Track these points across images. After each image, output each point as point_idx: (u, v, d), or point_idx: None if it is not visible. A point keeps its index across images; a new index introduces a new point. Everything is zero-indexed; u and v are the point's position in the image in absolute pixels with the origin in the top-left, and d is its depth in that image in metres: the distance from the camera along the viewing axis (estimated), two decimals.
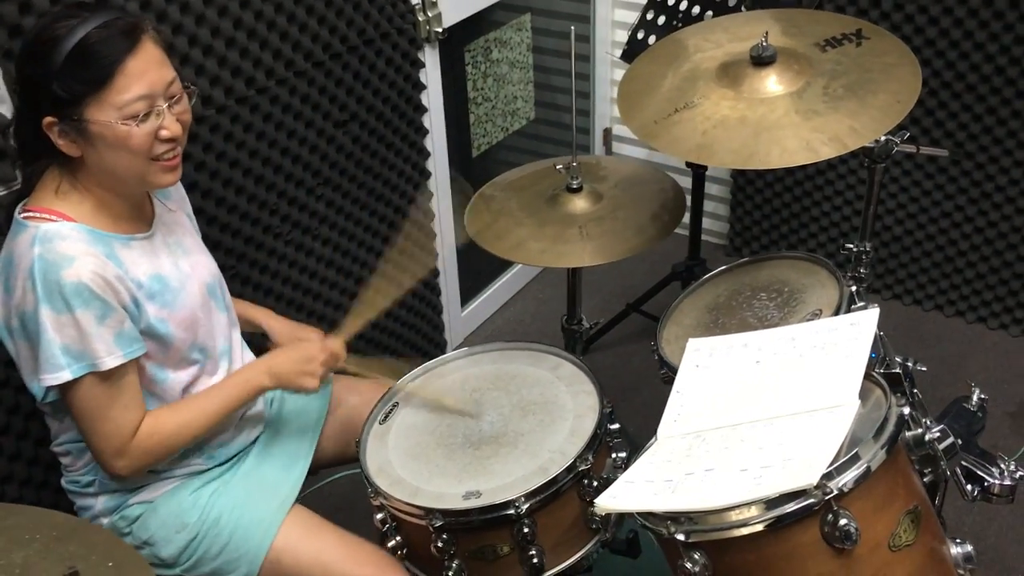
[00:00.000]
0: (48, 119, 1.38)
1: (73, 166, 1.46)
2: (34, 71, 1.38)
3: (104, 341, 1.42)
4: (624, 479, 1.41)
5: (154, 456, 1.54)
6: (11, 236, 1.45)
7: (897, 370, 1.48)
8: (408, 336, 2.81)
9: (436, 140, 2.69)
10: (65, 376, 1.41)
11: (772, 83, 1.71)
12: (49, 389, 1.46)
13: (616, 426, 1.69)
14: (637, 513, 1.34)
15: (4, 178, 1.67)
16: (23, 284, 1.39)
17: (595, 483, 1.58)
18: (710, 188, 3.32)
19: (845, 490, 1.20)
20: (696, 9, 2.59)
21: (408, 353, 2.84)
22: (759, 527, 1.21)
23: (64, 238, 1.41)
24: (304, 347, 1.66)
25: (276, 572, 1.63)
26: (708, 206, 3.33)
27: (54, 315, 1.39)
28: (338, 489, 2.40)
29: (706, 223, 3.36)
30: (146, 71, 1.39)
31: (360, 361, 1.82)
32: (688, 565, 1.26)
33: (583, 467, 1.56)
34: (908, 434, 1.34)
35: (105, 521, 1.63)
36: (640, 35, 2.64)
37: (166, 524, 1.62)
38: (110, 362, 1.43)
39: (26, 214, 1.44)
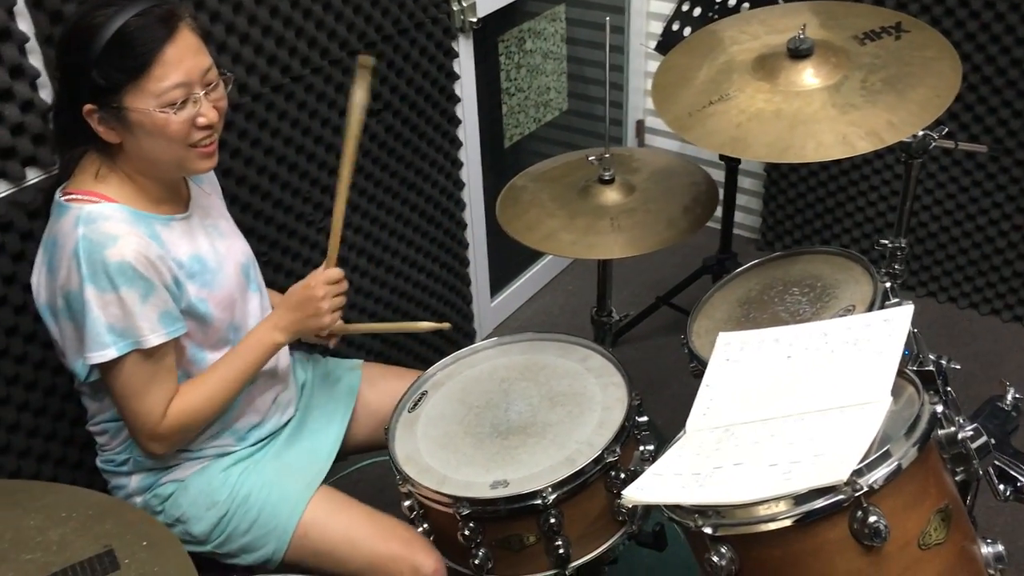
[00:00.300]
0: (88, 106, 1.41)
1: (111, 151, 1.48)
2: (74, 59, 1.40)
3: (148, 319, 1.45)
4: (652, 471, 1.40)
5: (186, 430, 1.57)
6: (54, 218, 1.47)
7: (930, 368, 1.47)
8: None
9: (468, 130, 2.69)
10: (111, 353, 1.43)
11: (809, 76, 1.69)
12: (92, 368, 1.48)
13: (644, 419, 1.69)
14: (664, 506, 1.34)
15: (44, 163, 1.70)
16: (68, 264, 1.42)
17: (622, 475, 1.58)
18: (743, 181, 3.30)
19: (875, 487, 1.19)
20: (732, 1, 2.57)
21: (437, 342, 2.85)
22: (787, 522, 1.21)
23: (107, 218, 1.43)
24: (296, 291, 1.64)
25: (305, 548, 1.65)
26: (741, 199, 3.31)
27: (99, 293, 1.41)
28: (367, 475, 2.41)
29: (738, 217, 3.34)
30: (183, 59, 1.41)
31: (373, 326, 1.80)
32: (715, 559, 1.26)
33: (611, 459, 1.56)
34: (940, 432, 1.32)
35: (138, 500, 1.66)
36: (675, 26, 2.63)
37: (197, 502, 1.64)
38: (154, 340, 1.46)
39: (68, 196, 1.46)
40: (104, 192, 1.47)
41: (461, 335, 2.96)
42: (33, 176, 1.70)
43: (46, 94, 1.68)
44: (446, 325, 1.76)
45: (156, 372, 1.49)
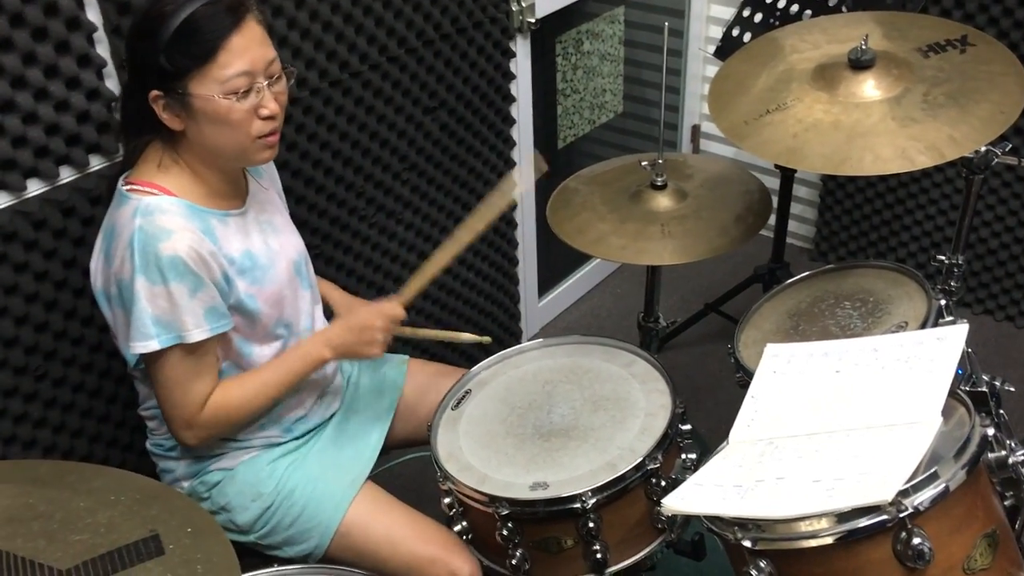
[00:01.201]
0: (154, 92, 1.44)
1: (175, 141, 1.51)
2: (143, 45, 1.43)
3: (194, 314, 1.47)
4: (693, 481, 1.40)
5: (221, 426, 1.59)
6: (114, 206, 1.51)
7: (983, 389, 1.44)
8: (484, 323, 2.84)
9: (523, 130, 2.70)
10: (154, 345, 1.46)
11: (869, 88, 1.67)
12: (139, 356, 1.52)
13: (688, 427, 1.68)
14: (704, 516, 1.33)
15: (108, 150, 1.74)
16: (123, 253, 1.45)
17: (663, 483, 1.57)
18: (798, 190, 3.26)
19: (921, 509, 1.17)
20: (795, 7, 2.54)
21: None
22: (829, 540, 1.19)
23: (164, 212, 1.46)
24: (360, 315, 1.66)
25: (346, 545, 1.67)
26: (795, 208, 3.27)
27: (149, 285, 1.44)
28: (408, 470, 2.43)
29: (792, 226, 3.30)
30: (248, 48, 1.43)
31: (417, 331, 1.82)
32: (753, 572, 1.25)
33: (652, 466, 1.55)
34: (991, 455, 1.29)
35: (185, 485, 1.69)
36: (735, 32, 2.60)
37: (243, 492, 1.67)
38: (197, 335, 1.48)
39: (129, 186, 1.49)
40: (164, 184, 1.50)
41: (507, 335, 2.96)
42: (96, 163, 1.74)
43: (112, 83, 1.71)
44: (487, 339, 1.77)
45: (197, 366, 1.52)
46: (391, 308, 1.66)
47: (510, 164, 2.70)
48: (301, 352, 1.64)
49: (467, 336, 1.78)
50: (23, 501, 1.03)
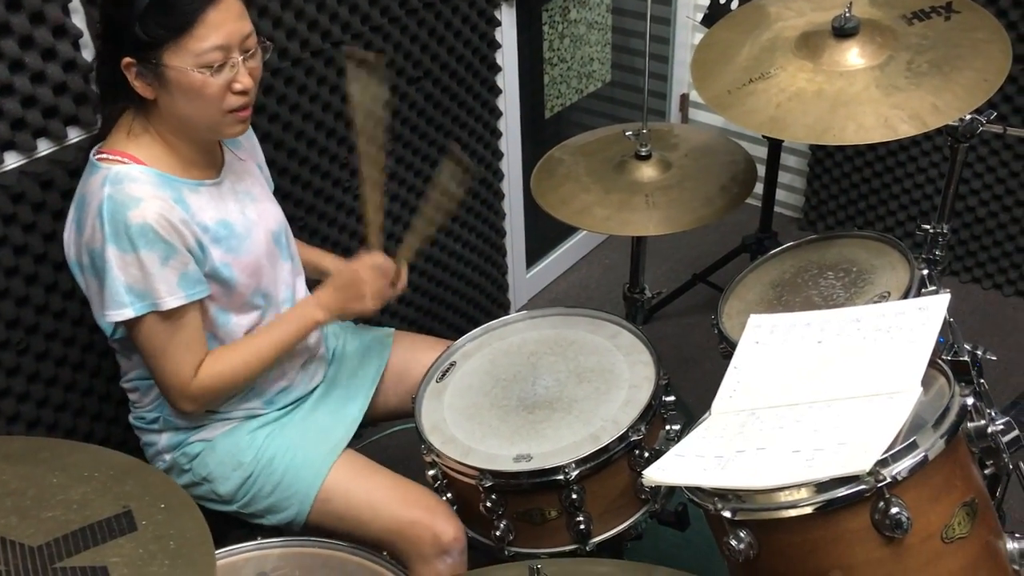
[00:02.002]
0: (127, 60, 1.42)
1: (147, 109, 1.49)
2: (118, 13, 1.42)
3: (166, 282, 1.47)
4: (674, 452, 1.40)
5: (215, 393, 1.59)
6: (85, 176, 1.50)
7: (965, 358, 1.44)
8: (472, 295, 2.83)
9: (509, 100, 2.68)
10: (128, 313, 1.46)
11: (853, 56, 1.66)
12: (117, 326, 1.51)
13: (672, 398, 1.68)
14: (685, 487, 1.33)
15: (86, 122, 1.72)
16: (93, 222, 1.44)
17: (647, 454, 1.58)
18: (787, 159, 3.25)
19: (899, 478, 1.17)
20: None
21: (471, 312, 2.86)
22: (808, 509, 1.19)
23: (133, 180, 1.45)
24: (347, 273, 1.66)
25: (327, 512, 1.67)
26: (784, 178, 3.26)
27: (119, 254, 1.43)
28: (395, 441, 2.43)
29: (780, 195, 3.29)
30: (225, 22, 1.41)
31: (405, 244, 1.77)
32: (733, 543, 1.25)
33: (635, 437, 1.56)
34: (970, 425, 1.30)
35: (167, 457, 1.69)
36: None
37: (223, 462, 1.67)
38: (171, 302, 1.48)
39: (100, 155, 1.48)
40: (134, 153, 1.48)
41: (495, 306, 2.96)
42: (74, 135, 1.73)
43: (88, 54, 1.69)
44: (471, 167, 1.72)
45: (178, 333, 1.52)
46: (376, 258, 1.66)
47: (496, 135, 2.68)
48: (294, 315, 1.65)
49: (446, 174, 1.74)
50: None
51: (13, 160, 1.65)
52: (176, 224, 1.47)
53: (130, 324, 1.49)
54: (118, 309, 1.46)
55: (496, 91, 2.61)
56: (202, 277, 1.53)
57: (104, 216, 1.42)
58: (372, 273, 1.64)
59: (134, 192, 1.44)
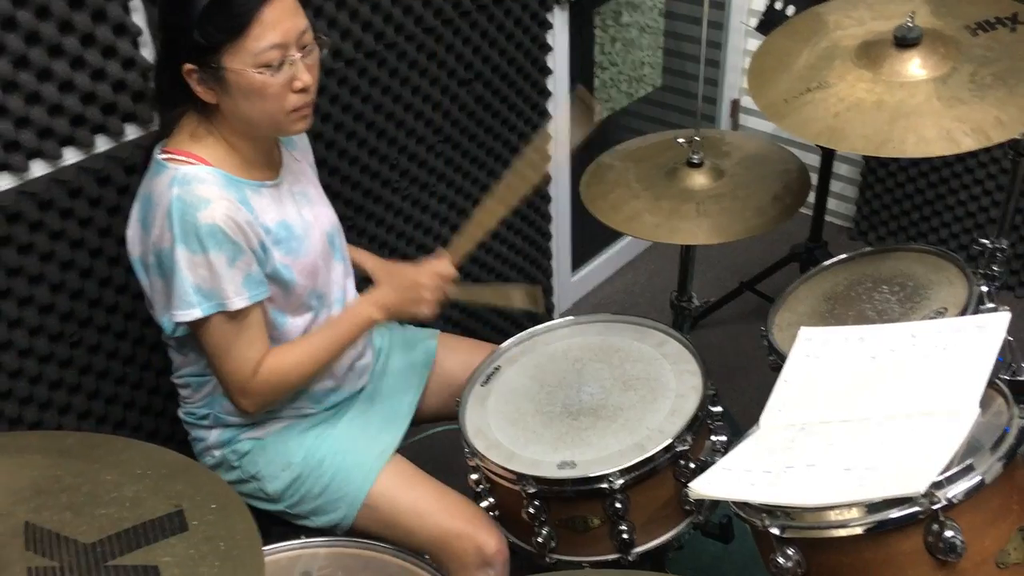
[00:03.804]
0: (188, 66, 1.43)
1: (209, 112, 1.51)
2: (176, 19, 1.43)
3: (233, 282, 1.48)
4: (721, 465, 1.38)
5: (276, 391, 1.60)
6: (150, 175, 1.51)
7: None
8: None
9: (559, 103, 2.67)
10: (196, 313, 1.47)
11: (915, 67, 1.62)
12: (179, 324, 1.53)
13: (718, 409, 1.66)
14: (732, 502, 1.32)
15: (142, 120, 1.75)
16: (161, 223, 1.46)
17: (692, 465, 1.56)
18: (839, 168, 3.20)
19: (954, 501, 1.15)
20: None
21: (516, 315, 2.85)
22: (859, 530, 1.18)
23: (202, 181, 1.46)
24: (407, 274, 1.66)
25: (373, 516, 1.68)
26: (835, 186, 3.21)
27: (189, 255, 1.45)
28: (438, 442, 2.44)
29: (832, 204, 3.24)
30: (280, 20, 1.42)
31: (468, 290, 1.80)
32: (780, 560, 1.24)
33: (681, 448, 1.54)
34: None
35: (216, 453, 1.71)
36: (778, 5, 2.55)
37: (273, 461, 1.68)
38: (238, 303, 1.49)
39: (166, 155, 1.50)
40: (199, 154, 1.50)
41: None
42: (132, 133, 1.75)
43: (148, 52, 1.71)
44: (540, 310, 1.73)
45: (243, 331, 1.53)
46: (440, 265, 1.66)
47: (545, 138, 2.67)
48: (351, 314, 1.65)
49: (518, 299, 1.73)
50: (51, 473, 1.05)
51: (72, 156, 1.68)
52: (242, 225, 1.48)
53: (196, 324, 1.50)
54: (187, 309, 1.47)
55: (546, 94, 2.61)
56: (264, 278, 1.54)
57: (173, 217, 1.44)
58: (434, 280, 1.64)
59: (203, 193, 1.45)
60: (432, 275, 1.65)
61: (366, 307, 1.66)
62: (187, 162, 1.48)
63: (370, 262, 1.88)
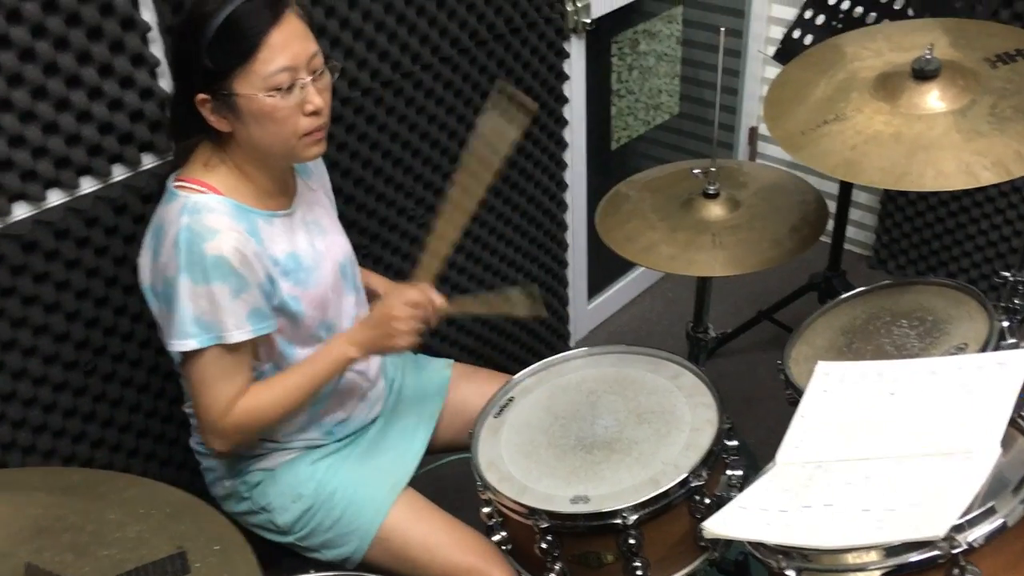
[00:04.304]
0: (201, 96, 1.44)
1: (223, 141, 1.51)
2: (186, 47, 1.44)
3: (235, 315, 1.47)
4: (737, 503, 1.36)
5: (248, 430, 1.57)
6: (163, 203, 1.52)
7: None
8: (532, 326, 2.81)
9: (575, 131, 2.67)
10: (192, 344, 1.47)
11: (933, 99, 1.61)
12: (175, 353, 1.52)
13: (735, 443, 1.64)
14: (747, 542, 1.30)
15: (160, 149, 1.75)
16: (169, 250, 1.46)
17: (707, 500, 1.54)
18: (858, 195, 3.17)
19: (976, 545, 1.12)
20: (859, 10, 2.48)
21: (531, 343, 2.84)
22: (877, 574, 1.16)
23: (211, 211, 1.46)
24: (381, 307, 1.60)
25: (384, 550, 1.66)
26: (854, 214, 3.19)
27: (191, 285, 1.44)
28: (452, 470, 2.42)
29: (851, 232, 3.22)
30: (288, 43, 1.42)
31: (462, 303, 1.75)
32: None
33: (696, 483, 1.52)
34: None
35: (227, 484, 1.70)
36: (796, 34, 2.55)
37: (283, 493, 1.67)
38: (238, 336, 1.48)
39: (178, 183, 1.50)
40: (211, 183, 1.50)
41: (556, 337, 2.94)
42: (149, 162, 1.76)
43: (165, 83, 1.72)
44: (543, 314, 1.70)
45: (232, 367, 1.52)
46: (416, 294, 1.59)
47: (561, 166, 2.67)
48: (325, 352, 1.60)
49: (517, 304, 1.66)
50: (54, 512, 1.04)
51: (89, 185, 1.69)
52: (250, 258, 1.47)
53: (188, 354, 1.50)
54: (183, 339, 1.47)
55: (563, 122, 2.60)
56: (271, 313, 1.53)
57: (181, 245, 1.44)
58: (405, 310, 1.57)
59: (211, 223, 1.45)
60: (399, 304, 1.58)
61: (341, 345, 1.60)
62: (198, 191, 1.48)
63: (378, 283, 1.87)
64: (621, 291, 3.18)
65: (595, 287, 3.08)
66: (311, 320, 1.60)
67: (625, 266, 3.18)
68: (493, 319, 2.61)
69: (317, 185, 1.73)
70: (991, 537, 1.13)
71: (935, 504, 1.17)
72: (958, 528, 1.13)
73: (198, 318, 1.46)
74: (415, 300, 1.58)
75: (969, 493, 1.16)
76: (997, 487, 1.20)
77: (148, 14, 1.67)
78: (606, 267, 3.08)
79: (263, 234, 1.52)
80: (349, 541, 1.66)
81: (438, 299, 1.61)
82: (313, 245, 1.62)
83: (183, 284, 1.44)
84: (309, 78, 1.45)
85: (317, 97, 1.46)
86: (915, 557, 1.13)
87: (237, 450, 1.63)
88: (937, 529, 1.12)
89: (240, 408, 1.54)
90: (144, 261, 1.55)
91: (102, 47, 1.61)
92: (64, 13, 1.55)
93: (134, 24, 1.64)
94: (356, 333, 1.61)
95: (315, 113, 1.47)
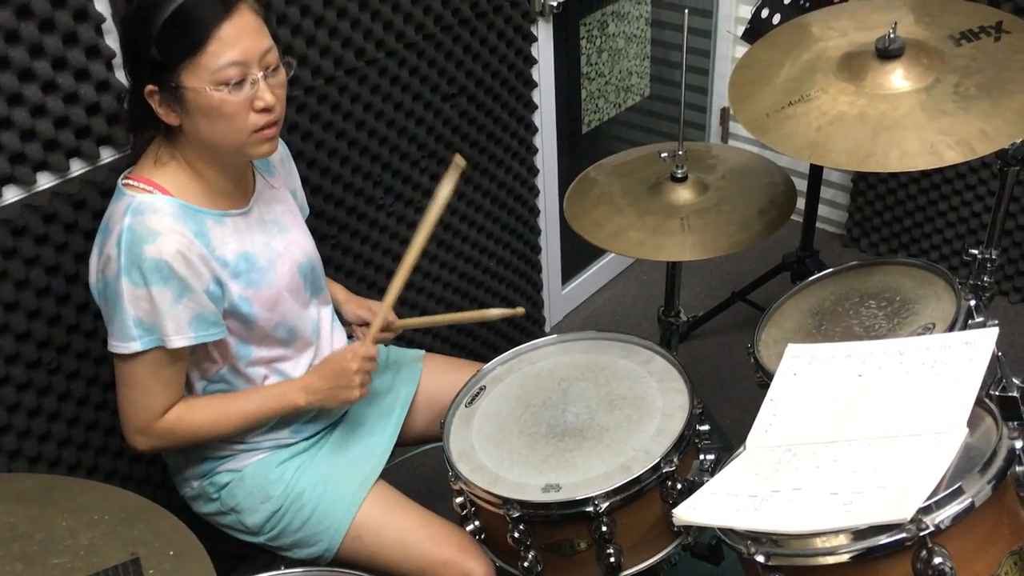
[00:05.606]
0: (149, 87, 1.41)
1: (173, 136, 1.48)
2: (136, 37, 1.40)
3: (176, 320, 1.44)
4: (707, 490, 1.35)
5: (175, 441, 1.56)
6: (112, 201, 1.48)
7: (1013, 394, 1.38)
8: None
9: (545, 116, 2.65)
10: (134, 347, 1.44)
11: (897, 78, 1.60)
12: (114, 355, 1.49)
13: (706, 427, 1.63)
14: (717, 528, 1.29)
15: (117, 143, 1.72)
16: (110, 251, 1.43)
17: (679, 485, 1.53)
18: (830, 175, 3.18)
19: (943, 527, 1.12)
20: None
21: (505, 329, 2.83)
22: (845, 557, 1.15)
23: (155, 211, 1.43)
24: (334, 362, 1.62)
25: (357, 548, 1.65)
26: (827, 193, 3.19)
27: (132, 287, 1.41)
28: (426, 460, 2.41)
29: (824, 211, 3.23)
30: (240, 37, 1.38)
31: (436, 319, 1.87)
32: None
33: (668, 468, 1.52)
34: (1019, 469, 1.24)
35: (195, 484, 1.68)
36: (764, 13, 2.53)
37: (252, 494, 1.65)
38: (178, 341, 1.45)
39: (126, 182, 1.47)
40: (161, 182, 1.47)
41: (530, 323, 2.93)
42: (107, 156, 1.73)
43: (121, 75, 1.69)
44: (519, 311, 1.71)
45: (167, 373, 1.49)
46: (363, 349, 1.63)
47: (532, 151, 2.66)
48: (277, 392, 1.61)
49: (495, 312, 1.73)
50: (4, 520, 1.01)
51: (46, 181, 1.66)
52: (194, 261, 1.44)
53: (127, 354, 1.47)
54: (126, 342, 1.44)
55: (532, 107, 2.59)
56: (219, 319, 1.51)
57: (122, 246, 1.41)
58: (361, 363, 1.61)
59: (154, 225, 1.42)
60: (357, 359, 1.61)
61: (293, 391, 1.61)
62: (145, 190, 1.45)
63: (339, 295, 1.86)
64: (595, 275, 3.17)
65: (569, 272, 3.07)
66: (265, 321, 1.58)
67: (599, 250, 3.15)
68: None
69: (280, 183, 1.69)
70: (958, 518, 1.13)
71: (902, 486, 1.17)
72: (925, 510, 1.12)
73: (140, 320, 1.43)
74: (371, 354, 1.63)
75: (935, 475, 1.16)
76: (964, 467, 1.19)
77: (102, 5, 1.64)
78: (580, 251, 3.07)
79: (211, 235, 1.49)
80: (320, 540, 1.65)
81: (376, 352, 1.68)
82: (270, 245, 1.59)
83: (124, 285, 1.41)
84: (261, 74, 1.41)
85: (268, 94, 1.42)
86: (883, 540, 1.13)
87: (156, 452, 1.61)
88: (904, 512, 1.11)
89: (174, 416, 1.52)
90: (92, 260, 1.52)
91: (55, 39, 1.58)
92: (13, 5, 1.52)
93: (87, 15, 1.61)
94: (311, 383, 1.62)
95: (266, 110, 1.43)
